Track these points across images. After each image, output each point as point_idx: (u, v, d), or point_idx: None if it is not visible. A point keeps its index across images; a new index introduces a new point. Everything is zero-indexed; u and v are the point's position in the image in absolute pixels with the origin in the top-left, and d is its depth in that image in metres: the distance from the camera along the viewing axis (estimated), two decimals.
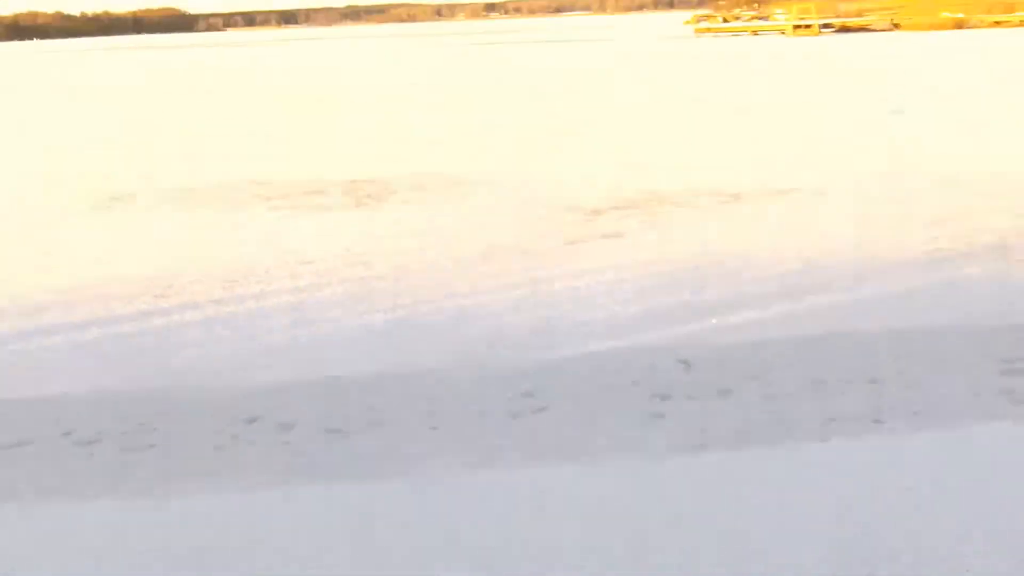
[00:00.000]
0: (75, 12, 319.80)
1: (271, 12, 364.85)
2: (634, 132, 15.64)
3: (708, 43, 54.03)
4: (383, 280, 7.27)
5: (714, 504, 3.71)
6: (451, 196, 10.66)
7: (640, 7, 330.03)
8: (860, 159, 12.10)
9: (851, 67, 29.37)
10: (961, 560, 3.25)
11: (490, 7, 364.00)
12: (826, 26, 61.96)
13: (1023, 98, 18.32)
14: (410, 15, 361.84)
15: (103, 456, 4.37)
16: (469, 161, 13.21)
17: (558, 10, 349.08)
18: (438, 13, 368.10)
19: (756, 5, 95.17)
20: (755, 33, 64.69)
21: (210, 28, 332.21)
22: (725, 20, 76.95)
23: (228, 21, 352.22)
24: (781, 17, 69.51)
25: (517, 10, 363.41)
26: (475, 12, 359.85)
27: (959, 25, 58.48)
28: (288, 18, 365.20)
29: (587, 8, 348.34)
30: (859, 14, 71.68)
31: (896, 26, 60.32)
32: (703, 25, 73.98)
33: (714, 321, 5.99)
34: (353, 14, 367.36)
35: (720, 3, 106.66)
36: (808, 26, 60.04)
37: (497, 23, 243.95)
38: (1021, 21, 58.24)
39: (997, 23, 58.29)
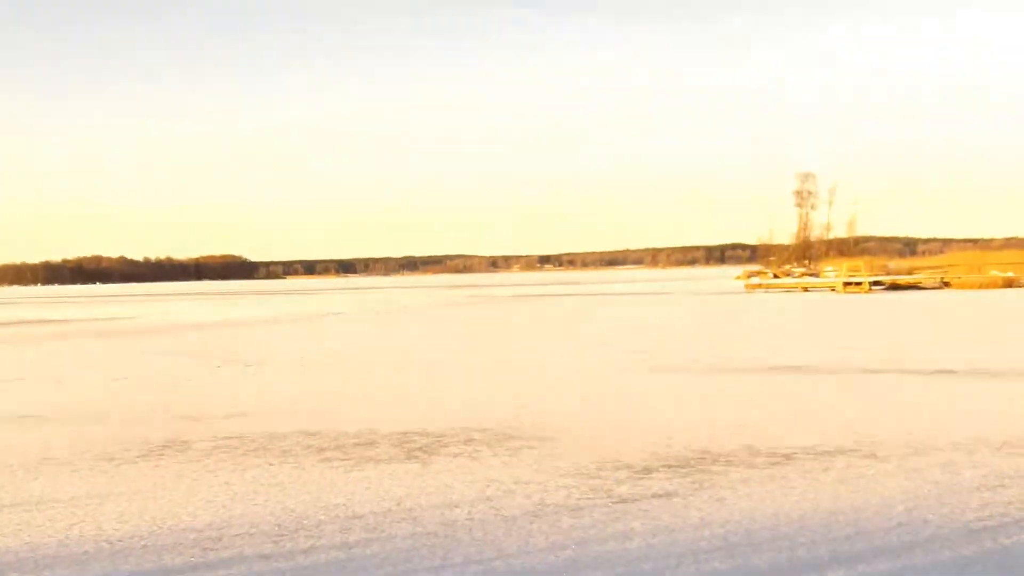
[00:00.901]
0: (138, 257, 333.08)
1: (330, 261, 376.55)
2: (682, 393, 15.68)
3: (759, 297, 54.70)
4: (433, 536, 7.22)
5: None
6: (500, 451, 10.68)
7: (692, 261, 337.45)
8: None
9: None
10: None
11: (544, 259, 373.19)
12: (876, 283, 62.71)
13: None
14: (466, 266, 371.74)
15: None
16: (517, 416, 13.26)
17: (611, 263, 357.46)
18: (493, 264, 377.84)
19: (807, 262, 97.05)
20: (805, 290, 65.53)
21: (270, 275, 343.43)
22: (776, 276, 78.28)
23: (288, 268, 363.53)
24: (831, 274, 70.66)
25: (571, 262, 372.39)
26: (530, 264, 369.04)
27: (1009, 284, 58.96)
28: (347, 267, 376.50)
29: (639, 261, 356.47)
30: (909, 271, 72.68)
31: (946, 284, 60.89)
32: (754, 281, 75.29)
33: None
34: (410, 264, 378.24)
35: (771, 259, 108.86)
36: (858, 283, 60.80)
37: (553, 275, 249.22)
38: None
39: None
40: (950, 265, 74.19)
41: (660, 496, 8.38)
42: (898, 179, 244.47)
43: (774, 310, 41.44)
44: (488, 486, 8.97)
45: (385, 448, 11.04)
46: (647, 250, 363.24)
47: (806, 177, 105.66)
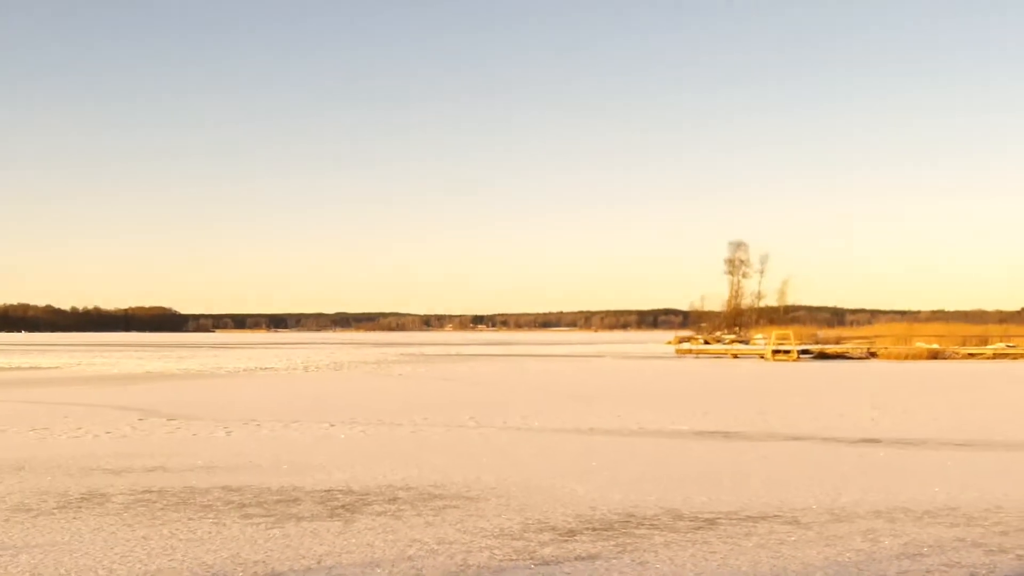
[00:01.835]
0: (65, 307, 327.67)
1: (261, 315, 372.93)
2: (619, 453, 15.71)
3: (689, 362, 55.22)
4: None
5: None
6: (424, 510, 10.59)
7: (625, 325, 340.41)
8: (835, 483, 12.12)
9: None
10: None
11: (477, 319, 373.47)
12: (805, 352, 63.66)
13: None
14: (399, 324, 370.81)
15: None
16: (443, 475, 13.18)
17: (544, 324, 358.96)
18: (426, 323, 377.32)
19: (737, 329, 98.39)
20: (735, 356, 66.30)
21: (199, 328, 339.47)
22: (707, 342, 79.24)
23: (218, 322, 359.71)
24: (761, 341, 71.63)
25: (504, 323, 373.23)
26: (463, 323, 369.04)
27: (934, 355, 60.19)
28: (278, 322, 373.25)
29: (573, 324, 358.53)
30: (837, 341, 73.94)
31: (873, 355, 61.99)
32: (685, 346, 76.15)
33: None
34: (343, 320, 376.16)
35: (703, 325, 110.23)
36: (787, 352, 61.67)
37: (486, 335, 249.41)
38: (993, 354, 59.96)
39: (971, 355, 60.00)
40: (877, 336, 75.66)
41: (583, 559, 8.36)
42: (828, 250, 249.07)
43: (703, 375, 41.80)
44: (410, 546, 8.88)
45: (308, 505, 10.90)
46: (581, 312, 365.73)
47: (738, 246, 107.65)
